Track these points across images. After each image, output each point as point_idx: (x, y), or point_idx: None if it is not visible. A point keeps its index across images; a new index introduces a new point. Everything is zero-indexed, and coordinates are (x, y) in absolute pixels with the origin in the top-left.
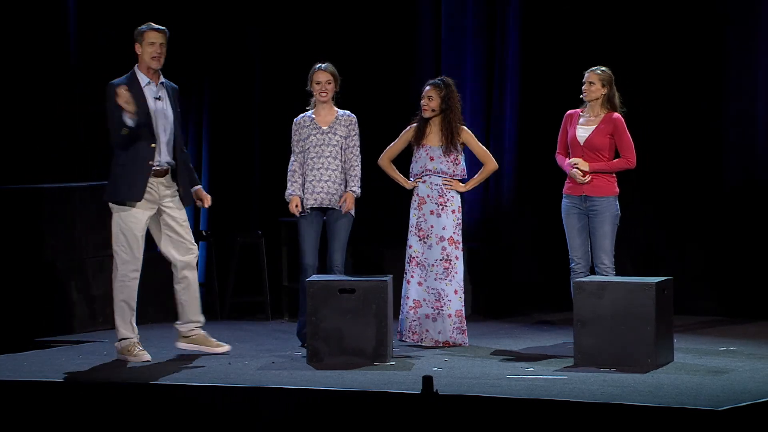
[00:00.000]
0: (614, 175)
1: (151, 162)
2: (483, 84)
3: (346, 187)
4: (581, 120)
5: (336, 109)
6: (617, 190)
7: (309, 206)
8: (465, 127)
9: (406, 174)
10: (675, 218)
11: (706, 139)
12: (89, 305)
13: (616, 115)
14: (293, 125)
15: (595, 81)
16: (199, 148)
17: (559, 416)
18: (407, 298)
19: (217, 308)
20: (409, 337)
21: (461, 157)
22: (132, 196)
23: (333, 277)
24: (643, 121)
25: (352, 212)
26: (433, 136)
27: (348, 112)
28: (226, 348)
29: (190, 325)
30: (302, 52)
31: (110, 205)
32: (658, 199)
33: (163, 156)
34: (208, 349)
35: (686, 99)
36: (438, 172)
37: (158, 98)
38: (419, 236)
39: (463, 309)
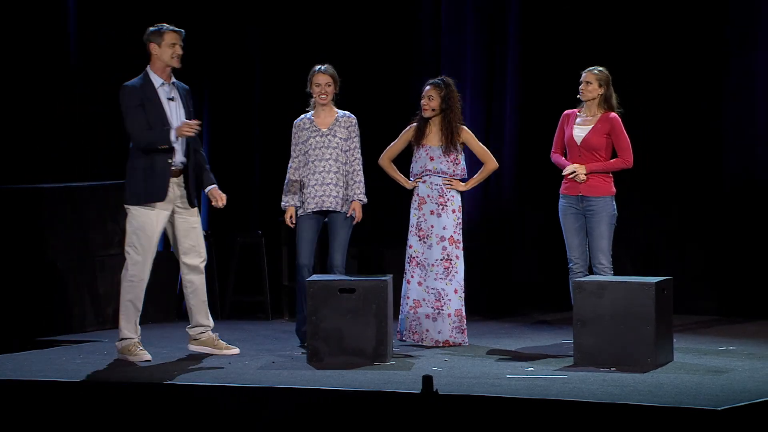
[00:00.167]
0: (611, 175)
1: (170, 161)
2: (483, 84)
3: (347, 189)
4: (578, 120)
5: (336, 110)
6: (614, 190)
7: (310, 210)
8: (465, 127)
9: (407, 174)
10: (675, 218)
11: (706, 139)
12: (90, 305)
13: (613, 114)
14: (293, 128)
15: (592, 81)
16: None
17: (559, 416)
18: (407, 297)
19: (218, 308)
20: (409, 336)
21: (461, 157)
22: (155, 197)
23: (333, 276)
24: (643, 121)
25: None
26: (433, 136)
27: (348, 113)
28: (235, 350)
29: (200, 328)
30: (302, 53)
31: (126, 205)
32: (658, 199)
33: (178, 156)
34: (218, 351)
35: (686, 99)
36: (438, 172)
37: (171, 99)
38: (419, 236)
39: (463, 308)
